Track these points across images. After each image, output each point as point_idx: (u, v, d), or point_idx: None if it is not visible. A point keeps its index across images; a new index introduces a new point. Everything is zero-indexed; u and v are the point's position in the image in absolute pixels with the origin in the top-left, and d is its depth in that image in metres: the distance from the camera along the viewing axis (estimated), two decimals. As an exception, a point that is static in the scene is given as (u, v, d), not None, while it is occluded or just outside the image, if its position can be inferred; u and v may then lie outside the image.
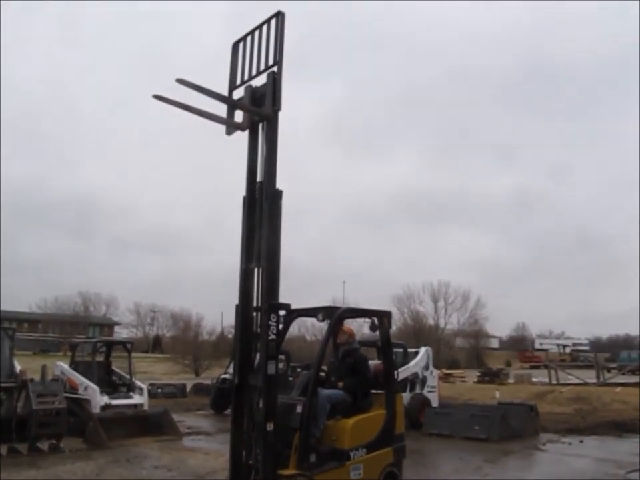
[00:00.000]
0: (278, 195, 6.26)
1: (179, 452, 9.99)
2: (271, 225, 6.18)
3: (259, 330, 6.13)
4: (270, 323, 5.93)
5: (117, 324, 77.98)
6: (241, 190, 6.42)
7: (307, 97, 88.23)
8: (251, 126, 6.52)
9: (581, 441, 12.30)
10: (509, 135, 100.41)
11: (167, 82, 5.29)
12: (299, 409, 6.09)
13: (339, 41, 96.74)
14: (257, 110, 6.44)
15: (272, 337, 5.91)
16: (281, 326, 6.04)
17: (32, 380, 10.34)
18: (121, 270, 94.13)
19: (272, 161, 6.32)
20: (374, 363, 7.73)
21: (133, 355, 14.59)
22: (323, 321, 6.61)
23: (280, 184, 6.24)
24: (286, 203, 6.28)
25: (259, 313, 6.17)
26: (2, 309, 68.37)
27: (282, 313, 6.10)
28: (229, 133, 6.59)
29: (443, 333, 66.15)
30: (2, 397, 9.98)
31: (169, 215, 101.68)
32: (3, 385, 10.19)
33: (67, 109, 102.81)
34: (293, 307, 6.28)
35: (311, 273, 69.89)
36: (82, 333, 69.23)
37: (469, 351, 66.26)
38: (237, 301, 6.26)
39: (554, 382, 26.60)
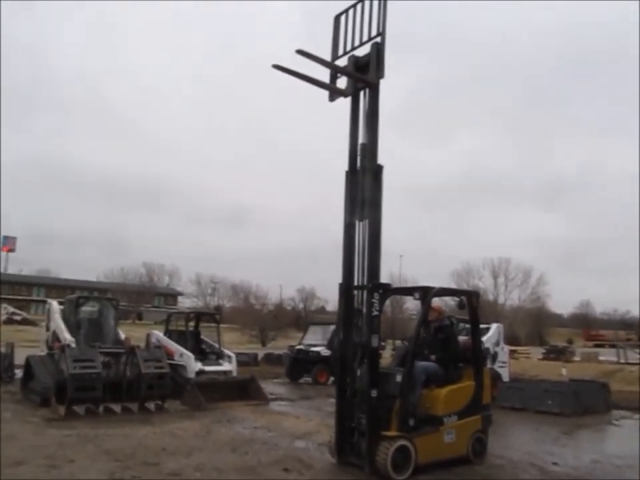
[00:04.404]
0: (379, 169, 6.78)
1: (271, 415, 10.83)
2: (373, 200, 6.72)
3: (360, 307, 6.80)
4: (373, 300, 6.57)
5: (180, 294, 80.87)
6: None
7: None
8: (353, 93, 7.07)
9: (655, 417, 12.44)
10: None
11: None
12: (398, 378, 6.73)
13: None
14: (361, 76, 6.93)
15: (375, 313, 6.55)
16: (380, 303, 6.66)
17: (138, 347, 11.44)
18: (182, 242, 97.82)
19: (374, 128, 6.84)
20: (461, 338, 8.28)
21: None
22: (419, 299, 7.18)
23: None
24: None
25: (361, 292, 6.82)
26: (73, 278, 72.64)
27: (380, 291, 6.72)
28: (331, 99, 7.19)
29: (503, 309, 65.48)
30: (110, 361, 11.07)
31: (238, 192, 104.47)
32: (111, 350, 11.34)
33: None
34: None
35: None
36: (148, 302, 72.26)
37: (530, 327, 65.39)
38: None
39: (622, 360, 26.36)
